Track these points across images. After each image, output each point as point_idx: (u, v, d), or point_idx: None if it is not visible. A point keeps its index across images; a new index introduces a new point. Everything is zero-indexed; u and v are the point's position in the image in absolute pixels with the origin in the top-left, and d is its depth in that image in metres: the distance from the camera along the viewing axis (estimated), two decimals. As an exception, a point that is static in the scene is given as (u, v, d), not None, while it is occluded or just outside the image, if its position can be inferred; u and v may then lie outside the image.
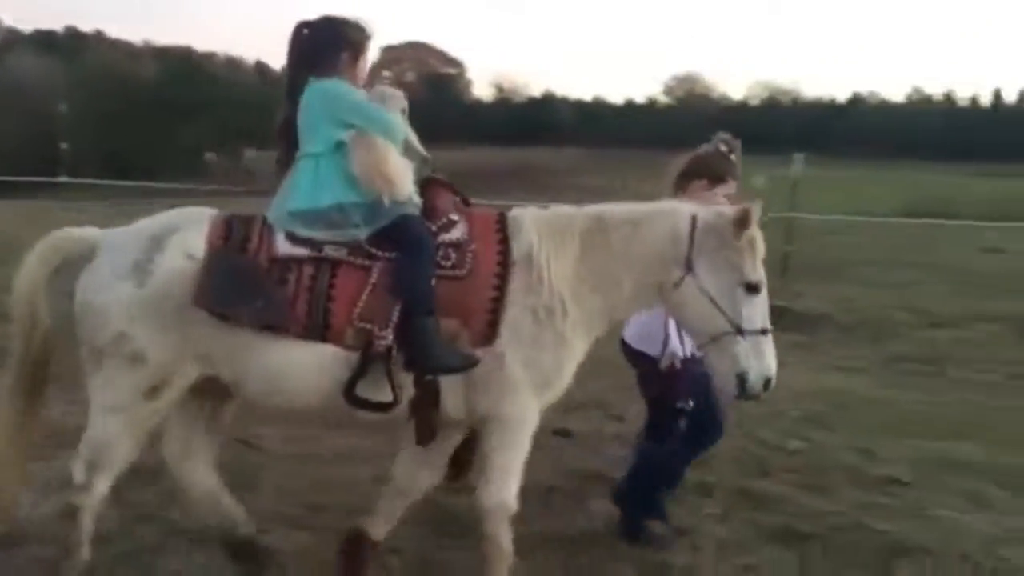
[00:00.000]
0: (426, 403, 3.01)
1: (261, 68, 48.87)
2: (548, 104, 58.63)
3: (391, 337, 2.94)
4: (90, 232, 3.16)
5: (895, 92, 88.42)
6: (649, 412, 3.85)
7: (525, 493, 3.15)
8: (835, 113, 58.48)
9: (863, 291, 10.22)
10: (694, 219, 3.07)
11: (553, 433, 4.99)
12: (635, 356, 3.73)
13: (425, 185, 3.19)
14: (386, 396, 2.95)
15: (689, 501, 4.20)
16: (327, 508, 3.93)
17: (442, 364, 2.95)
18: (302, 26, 3.27)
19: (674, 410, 3.65)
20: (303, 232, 3.02)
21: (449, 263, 3.04)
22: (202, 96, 36.17)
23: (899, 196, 21.41)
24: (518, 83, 62.47)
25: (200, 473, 3.32)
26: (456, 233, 3.10)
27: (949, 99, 59.41)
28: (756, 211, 3.01)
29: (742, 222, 3.01)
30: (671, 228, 3.10)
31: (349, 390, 2.95)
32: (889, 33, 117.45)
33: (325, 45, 3.23)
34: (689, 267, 3.05)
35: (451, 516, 3.75)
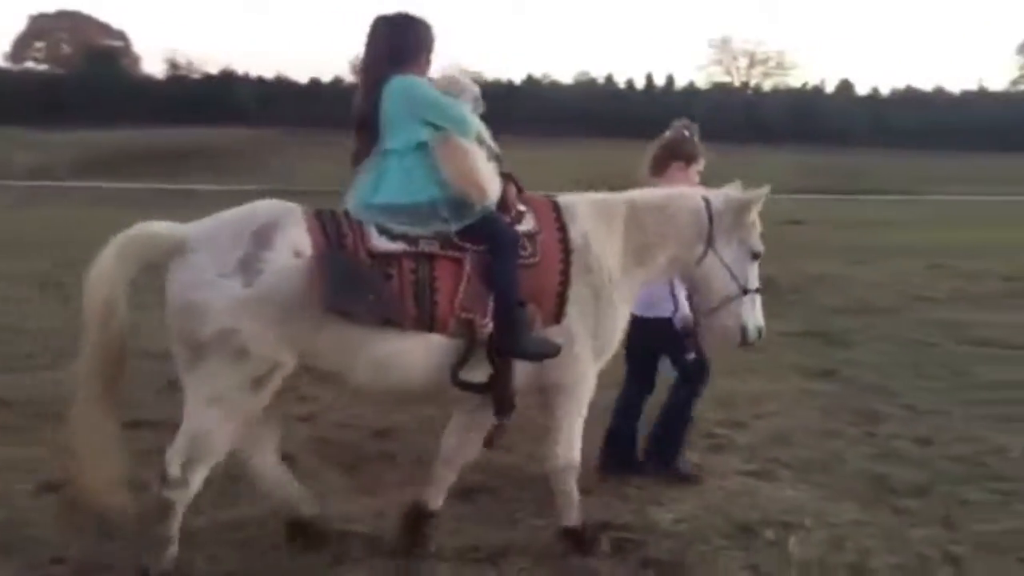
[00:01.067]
0: (505, 380, 3.28)
1: None
2: (228, 82, 55.87)
3: (491, 325, 3.19)
4: (175, 227, 3.12)
5: (565, 74, 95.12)
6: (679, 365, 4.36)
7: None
8: (511, 93, 61.67)
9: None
10: (708, 203, 3.65)
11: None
12: (644, 323, 4.14)
13: None
14: (482, 377, 3.26)
15: (373, 469, 4.39)
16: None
17: (532, 352, 3.27)
18: (384, 21, 3.40)
19: (686, 361, 4.26)
20: (395, 227, 3.17)
21: (526, 253, 3.33)
22: None
23: (576, 171, 23.06)
24: (194, 60, 58.71)
25: (268, 461, 3.46)
26: (528, 224, 3.40)
27: (610, 80, 64.85)
28: (763, 195, 3.63)
29: (752, 205, 3.64)
30: (693, 211, 3.64)
31: (454, 374, 3.20)
32: (557, 21, 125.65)
33: (408, 43, 3.39)
34: (710, 243, 3.61)
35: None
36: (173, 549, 3.13)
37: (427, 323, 3.16)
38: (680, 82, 64.03)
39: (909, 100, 61.08)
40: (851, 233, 17.47)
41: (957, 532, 3.85)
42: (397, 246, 3.16)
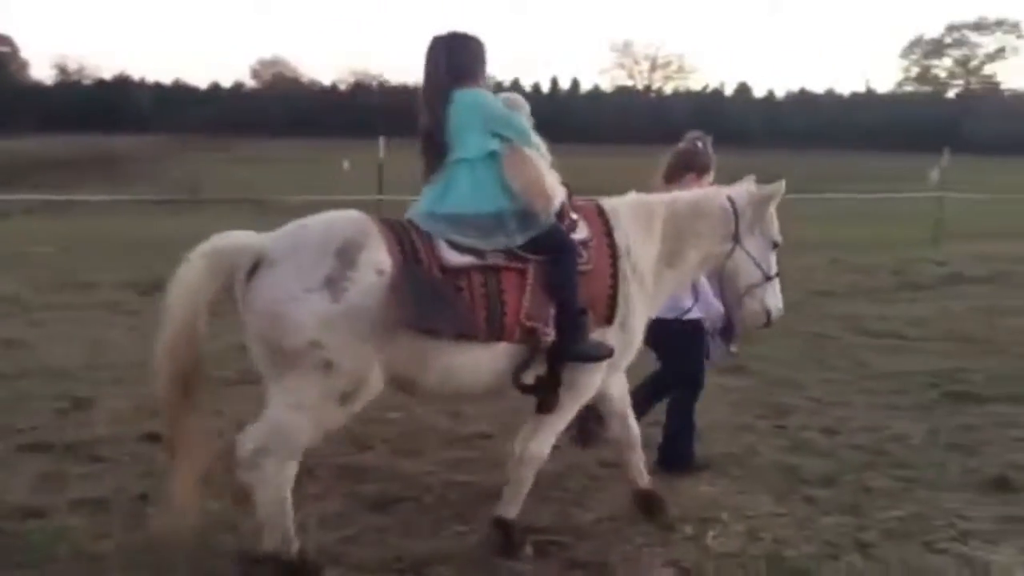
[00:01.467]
0: (556, 381, 3.47)
1: None
2: (123, 88, 53.95)
3: (554, 332, 3.33)
4: (255, 237, 3.19)
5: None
6: (667, 367, 4.53)
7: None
8: (416, 99, 61.26)
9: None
10: (732, 201, 3.87)
11: (143, 438, 4.74)
12: (659, 324, 4.08)
13: None
14: (531, 379, 3.43)
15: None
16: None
17: (592, 355, 3.46)
18: (441, 41, 3.52)
19: (700, 360, 4.44)
20: (462, 240, 3.27)
21: (582, 260, 3.47)
22: None
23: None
24: (86, 65, 56.56)
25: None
26: (582, 232, 3.54)
27: (516, 85, 65.25)
28: (782, 190, 3.90)
29: (772, 199, 3.91)
30: (720, 211, 3.86)
31: (516, 377, 3.38)
32: (465, 26, 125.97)
33: (466, 60, 3.52)
34: (737, 239, 3.86)
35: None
36: (288, 528, 3.23)
37: (496, 333, 3.29)
38: (585, 86, 64.97)
39: (803, 102, 63.43)
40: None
41: (865, 519, 3.98)
42: (466, 259, 3.28)
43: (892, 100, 67.25)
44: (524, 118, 3.65)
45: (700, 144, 4.50)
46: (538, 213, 3.40)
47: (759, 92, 68.46)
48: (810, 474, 4.51)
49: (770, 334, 6.49)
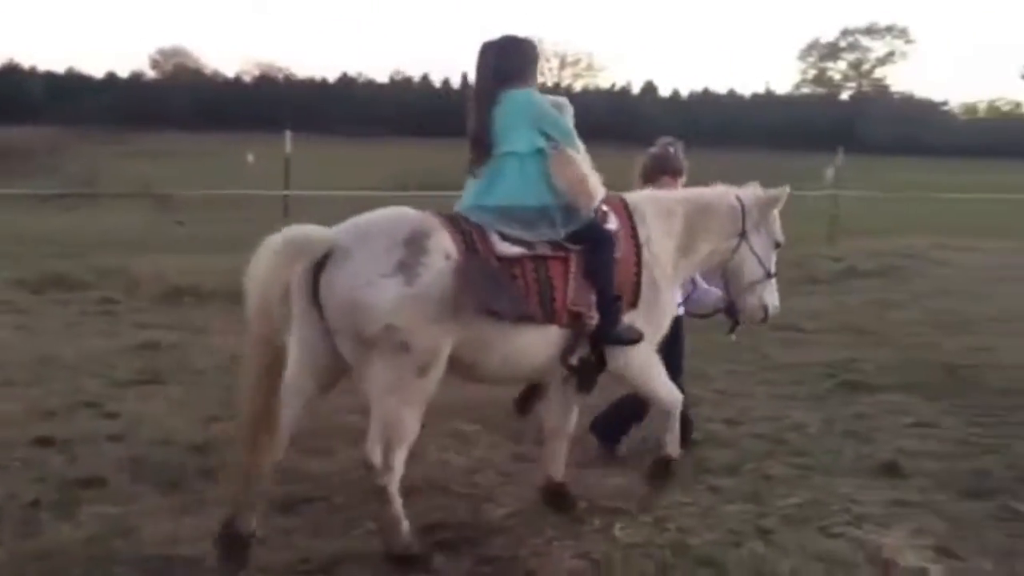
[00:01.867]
0: (601, 362, 3.81)
1: None
2: (12, 77, 51.43)
3: (597, 316, 3.61)
4: (325, 231, 3.34)
5: (380, 73, 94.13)
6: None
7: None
8: (325, 92, 60.41)
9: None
10: (741, 201, 4.24)
11: (34, 443, 4.54)
12: None
13: None
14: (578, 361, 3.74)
15: (193, 487, 4.15)
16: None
17: (626, 338, 3.77)
18: (493, 45, 3.77)
19: (681, 354, 4.64)
20: (510, 232, 3.50)
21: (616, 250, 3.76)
22: None
23: (391, 169, 22.94)
24: (-31, 51, 53.66)
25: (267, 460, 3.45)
26: (613, 224, 3.81)
27: (426, 80, 64.97)
28: (786, 193, 4.32)
29: (777, 202, 4.31)
30: (729, 209, 4.23)
31: (565, 359, 3.68)
32: (372, 20, 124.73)
33: (523, 62, 3.78)
34: (743, 236, 4.21)
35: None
36: (405, 525, 3.41)
37: (549, 317, 3.56)
38: (494, 82, 65.01)
39: (707, 102, 65.05)
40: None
41: (765, 506, 4.11)
42: (518, 249, 3.52)
43: (790, 101, 69.59)
44: (568, 120, 3.84)
45: (672, 149, 4.75)
46: (580, 209, 3.68)
47: (664, 91, 69.88)
48: (714, 464, 4.63)
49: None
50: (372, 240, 3.32)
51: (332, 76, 63.81)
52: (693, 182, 4.62)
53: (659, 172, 4.69)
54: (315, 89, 61.64)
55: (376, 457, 3.33)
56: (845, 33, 77.88)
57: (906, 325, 8.50)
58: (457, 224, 3.48)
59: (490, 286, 3.36)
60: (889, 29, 76.95)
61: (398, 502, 3.39)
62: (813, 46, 79.06)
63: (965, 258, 13.34)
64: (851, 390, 6.12)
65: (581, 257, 3.64)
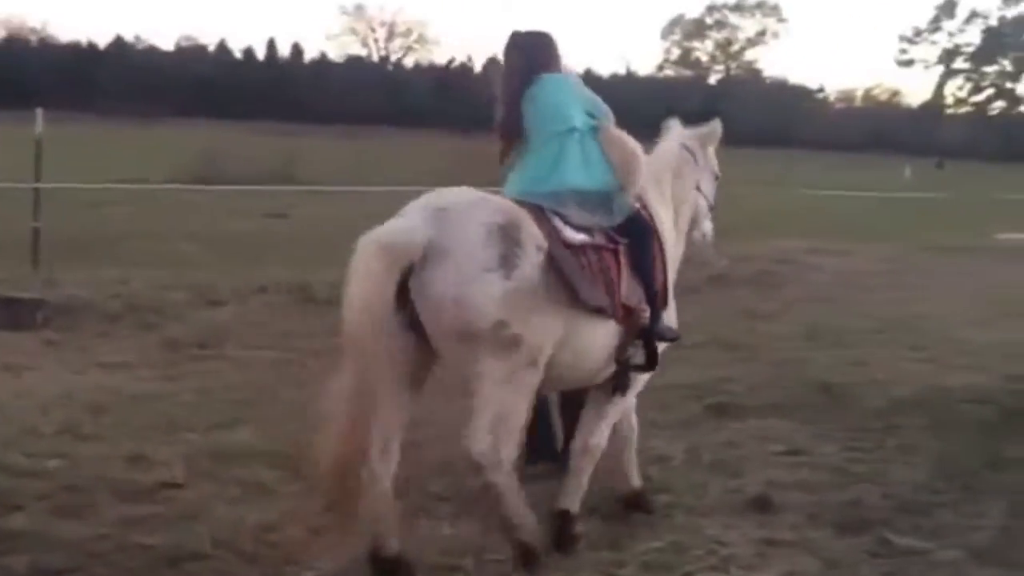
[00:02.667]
0: (654, 359, 4.22)
1: None
2: None
3: (648, 311, 4.02)
4: (413, 227, 3.56)
5: (165, 39, 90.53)
6: None
7: None
8: (94, 59, 57.83)
9: (132, 271, 10.30)
10: (691, 151, 4.83)
11: None
12: None
13: None
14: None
15: None
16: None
17: (668, 336, 4.24)
18: (520, 37, 4.34)
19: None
20: (573, 218, 3.86)
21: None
22: None
23: (176, 158, 22.11)
24: None
25: (388, 475, 3.80)
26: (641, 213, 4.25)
27: (223, 48, 63.28)
28: (719, 127, 4.96)
29: (715, 135, 4.97)
30: (687, 161, 4.79)
31: (619, 356, 4.06)
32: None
33: (545, 54, 4.29)
34: (697, 186, 4.86)
35: None
36: (530, 516, 3.77)
37: (612, 310, 3.86)
38: (310, 53, 64.15)
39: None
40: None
41: (622, 552, 4.22)
42: (582, 237, 3.85)
43: (652, 83, 72.29)
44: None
45: None
46: (628, 190, 4.11)
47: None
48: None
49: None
50: (466, 235, 3.56)
51: (103, 41, 61.06)
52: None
53: None
54: (79, 56, 58.92)
55: (485, 454, 3.59)
56: (711, 9, 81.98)
57: (778, 339, 8.98)
58: (534, 212, 3.79)
59: (576, 275, 3.71)
60: (759, 6, 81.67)
61: (514, 493, 3.68)
62: (676, 22, 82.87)
63: (840, 263, 14.28)
64: (719, 415, 6.40)
65: (629, 250, 4.02)
